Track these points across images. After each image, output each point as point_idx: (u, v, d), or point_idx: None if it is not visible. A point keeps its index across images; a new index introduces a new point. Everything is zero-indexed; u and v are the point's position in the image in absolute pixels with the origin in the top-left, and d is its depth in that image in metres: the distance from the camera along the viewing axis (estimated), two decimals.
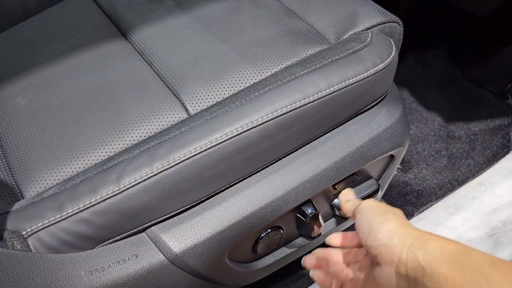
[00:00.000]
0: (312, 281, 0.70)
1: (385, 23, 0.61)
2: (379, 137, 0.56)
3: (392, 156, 0.61)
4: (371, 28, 0.60)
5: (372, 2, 0.64)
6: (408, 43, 1.22)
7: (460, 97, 1.12)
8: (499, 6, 1.09)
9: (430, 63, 1.20)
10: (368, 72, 0.52)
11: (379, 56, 0.53)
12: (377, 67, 0.52)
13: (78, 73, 0.59)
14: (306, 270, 0.44)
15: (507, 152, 0.98)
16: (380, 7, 0.63)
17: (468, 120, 1.05)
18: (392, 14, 0.62)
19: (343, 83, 0.50)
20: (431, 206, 0.82)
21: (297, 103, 0.48)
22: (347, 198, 0.43)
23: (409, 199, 0.87)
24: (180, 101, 0.54)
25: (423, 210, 0.83)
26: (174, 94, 0.55)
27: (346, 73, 0.51)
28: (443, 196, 0.88)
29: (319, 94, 0.49)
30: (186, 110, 0.53)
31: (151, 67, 0.59)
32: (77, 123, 0.53)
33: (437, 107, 1.08)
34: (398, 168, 0.94)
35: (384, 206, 0.37)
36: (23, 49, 0.65)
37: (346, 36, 0.59)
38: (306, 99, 0.48)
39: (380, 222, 0.35)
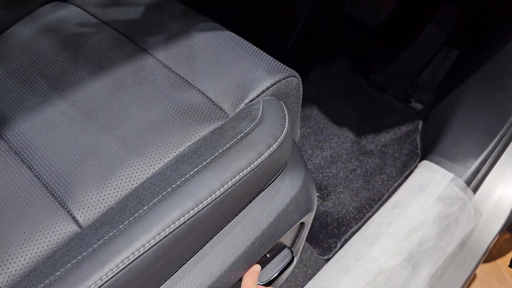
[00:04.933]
0: None
1: (280, 81, 0.59)
2: (285, 212, 0.55)
3: (302, 223, 0.60)
4: (266, 90, 0.58)
5: (264, 58, 0.61)
6: (311, 57, 1.22)
7: (367, 106, 1.14)
8: (390, 15, 1.12)
9: (334, 73, 1.22)
10: (262, 157, 0.50)
11: (271, 134, 0.51)
12: (270, 149, 0.50)
13: None
14: None
15: (415, 160, 1.02)
16: (273, 61, 0.61)
17: (377, 131, 1.08)
18: (286, 69, 0.60)
19: (237, 177, 0.48)
20: (352, 236, 0.83)
21: (190, 212, 0.45)
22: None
23: (330, 230, 0.88)
24: (69, 211, 0.50)
25: (345, 241, 0.84)
26: (61, 204, 0.50)
27: (239, 164, 0.48)
28: (362, 218, 0.90)
29: (212, 196, 0.46)
30: (76, 221, 0.49)
31: (32, 171, 0.54)
32: None
33: (347, 120, 1.10)
34: (317, 196, 0.95)
35: None
36: None
37: (242, 105, 0.57)
38: (199, 205, 0.45)
39: None
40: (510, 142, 0.89)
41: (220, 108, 0.57)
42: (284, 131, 0.52)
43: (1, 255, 0.47)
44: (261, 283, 0.55)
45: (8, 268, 0.46)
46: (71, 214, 0.49)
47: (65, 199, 0.50)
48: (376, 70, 1.20)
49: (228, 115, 0.57)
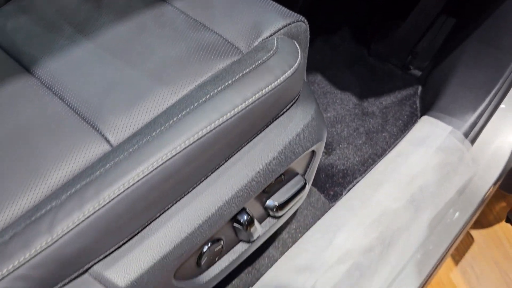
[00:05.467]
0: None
1: (290, 24, 0.64)
2: (299, 137, 0.60)
3: (313, 152, 0.65)
4: (277, 31, 0.63)
5: (275, 5, 0.66)
6: (315, 29, 1.27)
7: (369, 74, 1.19)
8: None
9: (337, 44, 1.26)
10: (278, 81, 0.54)
11: (286, 62, 0.56)
12: (286, 74, 0.55)
13: None
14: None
15: (415, 120, 1.07)
16: (283, 8, 0.66)
17: (378, 95, 1.13)
18: (295, 14, 0.65)
19: (256, 95, 0.53)
20: (356, 184, 0.88)
21: (216, 122, 0.50)
22: None
23: (336, 180, 0.92)
24: (100, 133, 0.54)
25: (350, 189, 0.89)
26: (93, 127, 0.55)
27: (258, 85, 0.53)
28: (365, 171, 0.95)
29: (235, 110, 0.51)
30: (108, 141, 0.53)
31: (64, 101, 0.58)
32: None
33: (349, 86, 1.15)
34: (323, 151, 1.00)
35: None
36: None
37: (256, 43, 0.62)
38: (224, 117, 0.50)
39: None
40: (505, 96, 0.94)
41: (236, 47, 0.62)
42: (297, 61, 0.57)
43: (41, 171, 0.51)
44: (276, 203, 0.60)
45: (48, 182, 0.50)
46: (102, 135, 0.54)
47: (96, 123, 0.55)
48: (376, 41, 1.25)
49: (243, 52, 0.61)
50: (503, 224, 1.44)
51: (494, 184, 0.93)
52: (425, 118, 0.97)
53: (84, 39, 0.65)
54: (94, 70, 0.60)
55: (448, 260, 1.36)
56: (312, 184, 0.92)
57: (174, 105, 0.54)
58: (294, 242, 0.77)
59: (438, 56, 1.14)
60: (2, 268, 0.42)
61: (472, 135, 0.92)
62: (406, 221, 0.80)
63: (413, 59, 1.20)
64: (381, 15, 1.26)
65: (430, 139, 0.91)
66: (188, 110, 0.51)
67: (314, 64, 1.20)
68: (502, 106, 0.95)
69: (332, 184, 0.92)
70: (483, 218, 1.45)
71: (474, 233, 1.42)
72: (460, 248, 1.39)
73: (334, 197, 0.88)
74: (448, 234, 0.84)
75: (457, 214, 0.87)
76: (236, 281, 0.76)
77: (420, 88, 1.15)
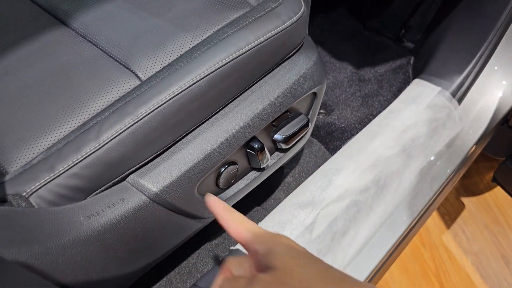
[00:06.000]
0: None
1: None
2: (303, 78, 0.68)
3: (315, 94, 0.73)
4: None
5: None
6: (315, 7, 1.36)
7: (365, 46, 1.28)
8: None
9: (335, 20, 1.35)
10: (285, 24, 0.63)
11: (292, 10, 0.65)
12: (292, 19, 0.64)
13: (29, 61, 0.65)
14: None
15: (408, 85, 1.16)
16: None
17: (374, 64, 1.22)
18: None
19: (267, 35, 0.61)
20: (353, 137, 0.96)
21: (233, 54, 0.58)
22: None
23: (335, 135, 1.01)
24: (131, 70, 0.62)
25: (347, 142, 0.97)
26: (125, 66, 0.63)
27: (268, 26, 0.62)
28: (361, 128, 1.03)
29: (249, 45, 0.59)
30: (138, 77, 0.62)
31: (97, 47, 0.66)
32: (42, 104, 0.59)
33: (347, 57, 1.24)
34: (322, 112, 1.08)
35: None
36: None
37: None
38: (240, 51, 0.59)
39: None
40: (489, 60, 1.03)
41: (247, 1, 0.71)
42: (301, 10, 0.66)
43: (83, 100, 0.59)
44: (283, 136, 0.68)
45: (89, 109, 0.59)
46: (133, 72, 0.62)
47: (127, 61, 0.63)
48: (371, 16, 1.33)
49: (253, 6, 0.70)
50: (493, 192, 1.53)
51: (480, 139, 1.02)
52: (416, 81, 1.05)
53: None
54: (123, 20, 0.69)
55: (440, 224, 1.45)
56: (314, 138, 1.01)
57: (196, 45, 0.62)
58: (298, 185, 0.85)
59: (429, 30, 1.23)
60: (59, 167, 0.50)
61: (459, 94, 1.01)
62: (399, 167, 0.89)
63: (406, 32, 1.29)
64: None
65: (420, 97, 1.00)
66: (209, 45, 0.59)
67: (314, 38, 1.28)
68: (488, 68, 1.04)
69: (332, 139, 1.00)
70: (474, 187, 1.54)
71: (465, 200, 1.51)
72: (451, 213, 1.47)
73: (333, 150, 0.97)
74: (437, 182, 0.93)
75: (445, 164, 0.96)
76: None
77: (412, 58, 1.24)
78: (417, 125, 0.94)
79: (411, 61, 1.23)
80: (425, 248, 1.40)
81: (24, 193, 0.49)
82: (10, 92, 0.61)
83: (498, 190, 1.52)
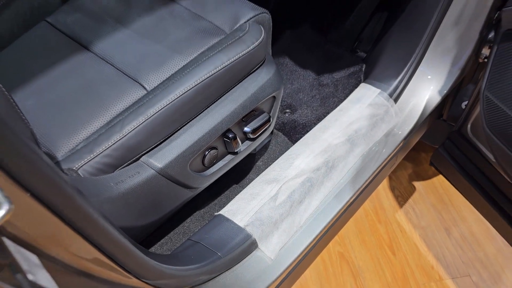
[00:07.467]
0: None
1: (258, 14, 0.98)
2: (264, 86, 0.94)
3: (274, 97, 0.99)
4: (250, 19, 0.97)
5: (248, 2, 1.00)
6: (283, 22, 1.62)
7: (325, 56, 1.54)
8: None
9: (300, 34, 1.61)
10: (249, 48, 0.89)
11: (255, 37, 0.90)
12: (254, 44, 0.89)
13: (65, 77, 0.89)
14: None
15: None
16: (254, 4, 1.00)
17: (332, 71, 1.48)
18: (261, 8, 0.99)
19: (236, 56, 0.87)
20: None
21: (212, 71, 0.84)
22: None
23: (297, 130, 1.27)
24: (140, 83, 0.87)
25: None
26: (135, 80, 0.88)
27: (237, 50, 0.87)
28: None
29: (223, 64, 0.85)
30: (145, 88, 0.87)
31: (114, 66, 0.91)
32: (75, 109, 0.83)
33: (310, 66, 1.50)
34: (288, 111, 1.34)
35: None
36: (17, 67, 0.93)
37: (236, 27, 0.96)
38: (217, 69, 0.84)
39: None
40: (418, 66, 1.30)
41: (223, 30, 0.96)
42: (261, 37, 0.91)
43: (105, 104, 0.84)
44: (251, 128, 0.94)
45: (110, 111, 0.83)
46: (141, 84, 0.87)
47: (136, 77, 0.88)
48: (331, 31, 1.60)
49: (227, 33, 0.95)
50: (440, 176, 1.80)
51: (412, 130, 1.28)
52: (362, 85, 1.32)
53: (122, 27, 0.98)
54: (131, 46, 0.93)
55: (395, 204, 1.72)
56: (280, 132, 1.27)
57: (186, 65, 0.88)
58: (266, 167, 1.11)
59: (377, 41, 1.50)
60: (96, 151, 0.75)
61: (395, 95, 1.28)
62: (345, 152, 1.15)
63: (359, 44, 1.56)
64: (334, 11, 1.61)
65: (364, 98, 1.26)
66: (195, 65, 0.85)
67: (282, 50, 1.55)
68: (418, 73, 1.31)
69: (295, 133, 1.26)
70: (424, 173, 1.81)
71: (416, 184, 1.78)
72: (404, 195, 1.74)
73: (295, 141, 1.23)
74: (375, 163, 1.19)
75: (382, 150, 1.22)
76: (227, 193, 1.10)
77: (364, 66, 1.50)
78: (360, 120, 1.21)
79: (363, 68, 1.49)
80: (381, 224, 1.66)
81: (75, 168, 0.74)
82: (51, 101, 0.86)
83: None
